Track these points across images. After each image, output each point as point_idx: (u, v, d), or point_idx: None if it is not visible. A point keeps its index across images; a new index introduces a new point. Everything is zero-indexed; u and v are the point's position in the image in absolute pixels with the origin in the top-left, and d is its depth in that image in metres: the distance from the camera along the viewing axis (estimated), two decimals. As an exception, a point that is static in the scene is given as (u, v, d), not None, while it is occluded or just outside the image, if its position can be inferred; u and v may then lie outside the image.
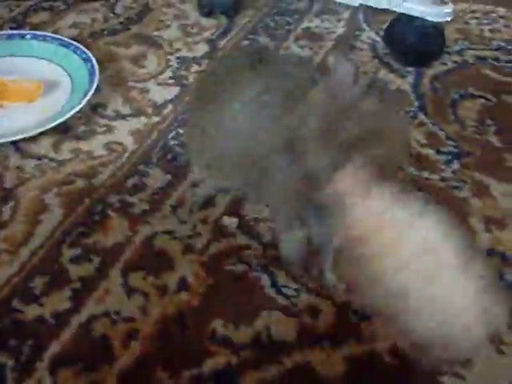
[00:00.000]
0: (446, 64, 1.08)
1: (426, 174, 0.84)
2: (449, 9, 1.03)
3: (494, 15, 1.28)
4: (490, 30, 1.22)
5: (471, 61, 1.11)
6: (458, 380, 0.61)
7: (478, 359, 0.62)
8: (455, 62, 1.10)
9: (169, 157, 0.85)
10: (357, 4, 1.11)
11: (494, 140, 0.92)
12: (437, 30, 1.04)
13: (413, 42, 1.04)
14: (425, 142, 0.90)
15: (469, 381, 0.61)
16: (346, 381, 0.61)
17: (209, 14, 1.14)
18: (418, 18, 1.02)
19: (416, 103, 0.98)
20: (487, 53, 1.14)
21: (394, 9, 1.04)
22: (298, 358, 0.62)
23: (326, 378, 0.61)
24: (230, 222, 0.76)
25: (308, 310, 0.66)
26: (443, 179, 0.84)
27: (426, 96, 1.00)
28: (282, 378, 0.61)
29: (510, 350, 0.64)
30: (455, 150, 0.89)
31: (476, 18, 1.26)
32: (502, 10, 1.29)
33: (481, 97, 1.01)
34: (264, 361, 0.62)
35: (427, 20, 1.02)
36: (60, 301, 0.67)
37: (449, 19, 1.03)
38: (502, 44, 1.18)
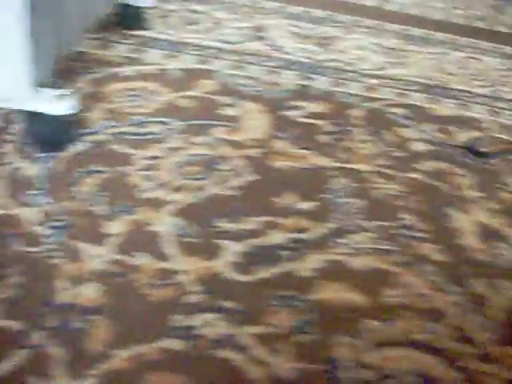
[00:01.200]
0: (81, 145, 1.30)
1: (29, 249, 1.04)
2: (68, 103, 1.24)
3: (145, 92, 1.53)
4: (135, 107, 1.46)
5: (107, 138, 1.33)
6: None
7: None
8: (91, 141, 1.32)
9: None
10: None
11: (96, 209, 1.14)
12: (61, 120, 1.25)
13: (42, 133, 1.25)
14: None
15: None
16: None
17: None
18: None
19: (41, 186, 1.18)
20: (124, 129, 1.37)
21: (23, 108, 1.24)
22: None
23: None
24: None
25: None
26: (44, 251, 1.04)
27: (51, 178, 1.20)
28: None
29: None
30: (64, 224, 1.10)
31: (127, 96, 1.50)
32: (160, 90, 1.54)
33: (102, 171, 1.23)
34: None
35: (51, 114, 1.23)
36: None
37: (69, 112, 1.25)
38: (141, 118, 1.42)
